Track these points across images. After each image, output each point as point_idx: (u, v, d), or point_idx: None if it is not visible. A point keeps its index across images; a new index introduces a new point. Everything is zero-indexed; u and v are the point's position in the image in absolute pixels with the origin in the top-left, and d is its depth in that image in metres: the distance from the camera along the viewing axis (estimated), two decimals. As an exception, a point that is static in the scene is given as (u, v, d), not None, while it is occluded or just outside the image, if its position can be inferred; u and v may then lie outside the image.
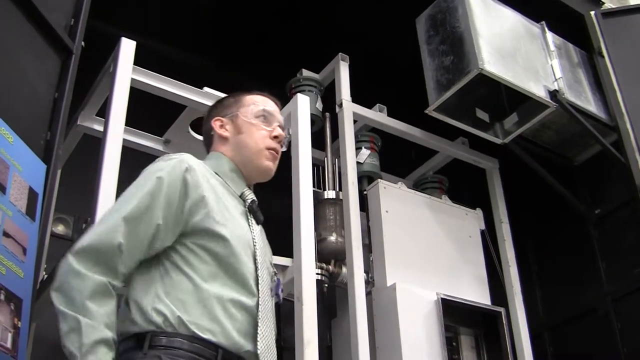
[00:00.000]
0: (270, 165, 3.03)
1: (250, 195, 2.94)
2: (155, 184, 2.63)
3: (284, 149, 3.15)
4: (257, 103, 3.10)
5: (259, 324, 2.57)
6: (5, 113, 3.01)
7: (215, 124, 3.09)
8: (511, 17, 5.68)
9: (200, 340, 2.44)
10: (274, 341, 2.67)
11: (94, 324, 2.37)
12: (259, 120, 3.05)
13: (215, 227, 2.64)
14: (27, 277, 3.01)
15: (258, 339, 2.55)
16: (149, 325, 2.46)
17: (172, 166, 2.70)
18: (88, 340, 2.35)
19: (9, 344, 2.80)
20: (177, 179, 2.66)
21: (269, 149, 3.01)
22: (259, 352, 2.54)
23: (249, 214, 2.87)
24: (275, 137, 3.05)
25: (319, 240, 5.22)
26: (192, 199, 2.65)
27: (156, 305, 2.47)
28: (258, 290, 2.64)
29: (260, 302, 2.61)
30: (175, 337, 2.42)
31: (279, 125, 3.10)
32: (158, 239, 2.58)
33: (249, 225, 2.82)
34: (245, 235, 2.75)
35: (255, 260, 2.72)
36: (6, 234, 2.90)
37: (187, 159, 2.76)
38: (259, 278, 2.69)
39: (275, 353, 2.68)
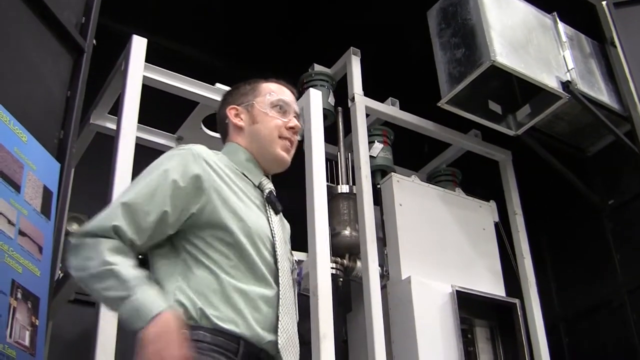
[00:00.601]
0: (285, 155, 2.96)
1: (269, 185, 2.90)
2: (162, 174, 2.60)
3: (299, 138, 3.11)
4: (274, 92, 3.03)
5: (280, 316, 2.54)
6: (18, 112, 3.01)
7: (231, 112, 3.01)
8: (522, 9, 5.67)
9: (222, 333, 2.41)
10: (296, 333, 2.65)
11: (126, 265, 2.38)
12: (274, 111, 2.98)
13: (230, 219, 2.60)
14: (43, 276, 3.03)
15: (279, 331, 2.52)
16: None
17: (182, 155, 2.68)
18: (130, 276, 2.35)
19: (27, 342, 2.81)
20: (187, 170, 2.62)
21: (283, 138, 2.95)
22: (280, 344, 2.52)
23: (267, 205, 2.84)
24: (291, 127, 2.98)
25: (333, 235, 5.21)
26: (204, 190, 2.61)
27: (178, 297, 2.44)
28: (279, 281, 2.62)
29: (281, 294, 2.59)
30: (198, 329, 2.39)
31: (295, 116, 3.04)
32: (166, 224, 2.56)
33: (268, 216, 2.79)
34: (263, 226, 2.72)
35: (275, 251, 2.69)
36: (22, 233, 2.91)
37: (199, 149, 2.74)
38: (279, 269, 2.66)
39: (298, 345, 2.66)
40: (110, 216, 2.49)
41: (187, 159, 2.66)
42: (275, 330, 2.53)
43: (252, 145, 2.94)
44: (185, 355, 2.24)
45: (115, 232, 2.45)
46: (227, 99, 3.10)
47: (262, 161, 2.94)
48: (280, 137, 2.94)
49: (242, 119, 2.98)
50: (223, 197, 2.64)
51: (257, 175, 2.90)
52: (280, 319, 2.55)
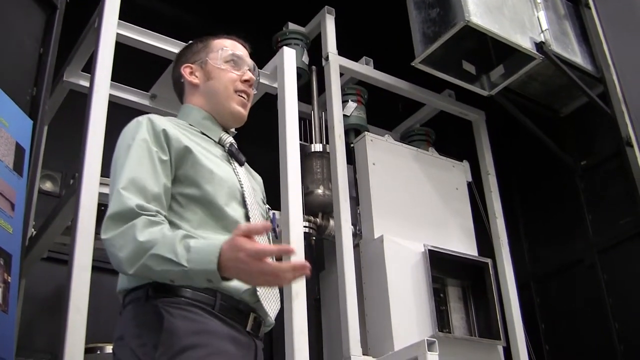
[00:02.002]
0: (242, 110, 2.98)
1: (228, 139, 2.91)
2: (140, 144, 2.60)
3: (255, 91, 3.10)
4: (226, 47, 3.03)
5: None
6: (-10, 69, 3.00)
7: (185, 71, 3.02)
8: (497, -31, 5.66)
9: (199, 288, 2.42)
10: None
11: (163, 239, 2.34)
12: (228, 65, 2.99)
13: (201, 175, 2.63)
14: (15, 233, 3.02)
15: None
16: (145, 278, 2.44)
17: (145, 124, 2.67)
18: (177, 238, 2.33)
19: (-1, 299, 2.82)
20: (157, 134, 2.63)
21: (238, 92, 2.96)
22: (259, 292, 2.54)
23: (230, 158, 2.86)
24: (246, 80, 2.99)
25: (307, 194, 5.23)
26: (176, 150, 2.63)
27: None
28: None
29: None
30: (171, 286, 2.40)
31: (248, 69, 3.04)
32: (168, 189, 2.58)
33: (233, 169, 2.81)
34: (231, 179, 2.73)
35: (244, 202, 2.71)
36: (-6, 190, 2.90)
37: (156, 117, 2.73)
38: (251, 217, 2.69)
39: (278, 293, 2.68)
40: (123, 201, 2.43)
41: (151, 125, 2.67)
42: None
43: (208, 103, 2.97)
44: (260, 264, 2.24)
45: (140, 209, 2.42)
46: (181, 58, 3.11)
47: (219, 117, 2.96)
48: (235, 91, 2.96)
49: (197, 77, 3.00)
50: (192, 154, 2.65)
51: (215, 131, 2.93)
52: None
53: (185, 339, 2.34)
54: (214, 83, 2.97)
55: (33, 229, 4.65)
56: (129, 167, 2.53)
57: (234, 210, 2.66)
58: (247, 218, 2.69)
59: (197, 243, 2.31)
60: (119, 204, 2.42)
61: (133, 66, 5.06)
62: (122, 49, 4.51)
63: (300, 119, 4.96)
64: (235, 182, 2.75)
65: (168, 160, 2.61)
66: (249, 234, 2.25)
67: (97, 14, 4.45)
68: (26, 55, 3.47)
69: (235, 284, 2.46)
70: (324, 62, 5.60)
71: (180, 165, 2.63)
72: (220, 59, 2.99)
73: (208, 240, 2.35)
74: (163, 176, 2.56)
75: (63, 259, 4.63)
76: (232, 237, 2.25)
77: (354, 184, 5.38)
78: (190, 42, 3.18)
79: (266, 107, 5.04)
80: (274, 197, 4.50)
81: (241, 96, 2.97)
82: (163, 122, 2.70)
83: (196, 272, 2.27)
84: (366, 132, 5.56)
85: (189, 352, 2.32)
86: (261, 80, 4.93)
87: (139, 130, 2.65)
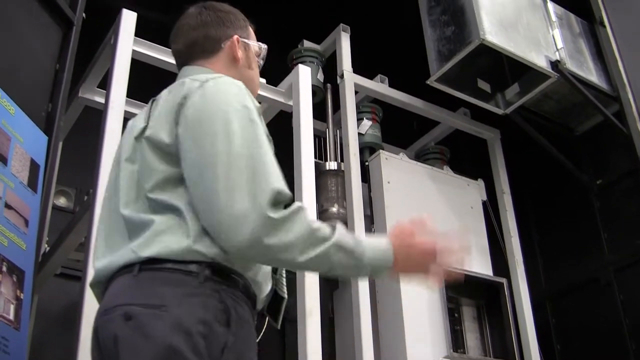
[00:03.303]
0: None
1: None
2: (245, 114, 2.30)
3: None
4: (261, 44, 2.81)
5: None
6: (6, 84, 3.00)
7: (235, 41, 2.66)
8: (513, -13, 5.66)
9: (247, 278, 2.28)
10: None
11: (325, 228, 2.23)
12: (257, 64, 2.77)
13: None
14: (29, 249, 3.02)
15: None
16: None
17: (242, 89, 2.38)
18: (343, 242, 2.24)
19: (11, 316, 2.81)
20: (253, 103, 2.37)
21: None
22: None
23: None
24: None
25: (321, 212, 5.22)
26: None
27: None
28: None
29: None
30: (231, 271, 2.22)
31: None
32: None
33: None
34: None
35: None
36: (8, 206, 2.90)
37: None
38: None
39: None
40: (263, 185, 2.18)
41: (246, 92, 2.38)
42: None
43: None
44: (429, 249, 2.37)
45: (288, 197, 2.24)
46: (228, 22, 2.71)
47: None
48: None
49: (239, 55, 2.67)
50: None
51: None
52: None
53: (248, 352, 2.21)
54: (252, 75, 2.72)
55: (46, 245, 4.65)
56: (265, 149, 2.28)
57: None
58: None
59: (363, 238, 2.31)
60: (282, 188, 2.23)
61: (148, 83, 5.06)
62: (138, 65, 4.52)
63: (315, 136, 4.96)
64: None
65: None
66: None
67: (113, 31, 4.46)
68: (42, 72, 3.48)
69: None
70: (339, 80, 5.59)
71: None
72: (258, 54, 2.78)
73: (371, 237, 2.33)
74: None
75: (76, 275, 4.63)
76: (398, 233, 2.32)
77: (368, 202, 5.36)
78: (228, 7, 2.78)
79: (281, 124, 5.04)
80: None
81: None
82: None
83: (375, 267, 2.28)
84: (381, 150, 5.54)
85: None
86: (276, 98, 4.96)
87: (248, 103, 2.34)
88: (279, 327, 2.59)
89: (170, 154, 2.27)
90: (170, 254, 2.14)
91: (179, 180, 2.25)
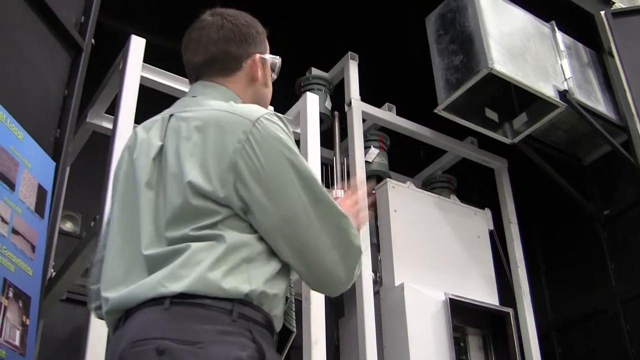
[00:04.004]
0: None
1: None
2: (300, 158, 2.29)
3: None
4: (276, 58, 2.71)
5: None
6: (15, 110, 3.00)
7: (256, 60, 2.59)
8: (521, 17, 5.67)
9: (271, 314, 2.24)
10: None
11: None
12: (271, 78, 2.68)
13: None
14: (35, 275, 3.01)
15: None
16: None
17: (287, 127, 2.35)
18: None
19: (17, 342, 2.80)
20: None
21: None
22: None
23: None
24: None
25: (327, 239, 5.19)
26: None
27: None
28: None
29: None
30: (257, 307, 2.17)
31: None
32: None
33: None
34: None
35: None
36: (15, 231, 2.89)
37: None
38: None
39: None
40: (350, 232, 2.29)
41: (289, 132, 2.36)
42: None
43: None
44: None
45: None
46: (250, 39, 2.62)
47: None
48: None
49: (259, 73, 2.60)
50: None
51: None
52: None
53: None
54: (268, 93, 2.67)
55: (52, 270, 4.64)
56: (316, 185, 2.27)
57: None
58: None
59: None
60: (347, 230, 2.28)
61: (156, 109, 5.06)
62: (146, 91, 4.53)
63: (322, 164, 4.96)
64: None
65: None
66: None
67: (121, 57, 4.48)
68: (51, 97, 3.48)
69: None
70: (346, 108, 5.60)
71: None
72: (272, 68, 2.70)
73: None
74: None
75: (82, 300, 4.61)
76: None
77: (375, 231, 5.36)
78: (248, 17, 2.71)
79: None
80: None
81: None
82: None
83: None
84: (388, 179, 5.55)
85: None
86: (283, 125, 4.94)
87: (289, 139, 2.30)
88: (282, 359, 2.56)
89: (213, 199, 2.21)
90: (205, 289, 2.10)
91: (223, 218, 2.20)
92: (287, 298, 2.34)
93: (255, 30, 2.64)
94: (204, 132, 2.29)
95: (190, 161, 2.25)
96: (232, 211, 2.20)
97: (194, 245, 2.15)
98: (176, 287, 2.08)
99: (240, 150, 2.21)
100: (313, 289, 2.39)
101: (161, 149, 2.37)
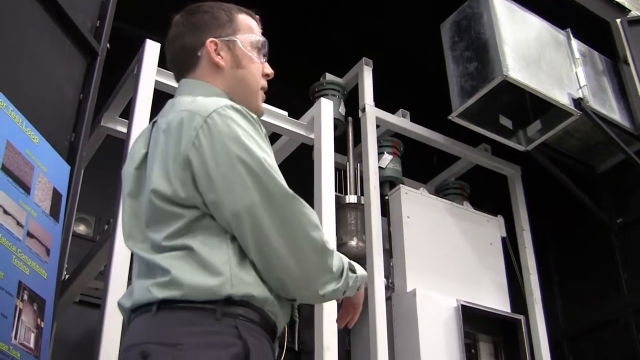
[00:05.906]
0: (262, 107, 2.63)
1: None
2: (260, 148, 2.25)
3: None
4: (254, 30, 2.62)
5: None
6: (30, 114, 3.02)
7: (211, 46, 2.50)
8: (536, 24, 5.66)
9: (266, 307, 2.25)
10: None
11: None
12: (254, 52, 2.58)
13: None
14: (50, 278, 3.03)
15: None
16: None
17: (250, 119, 2.30)
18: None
19: (31, 344, 2.81)
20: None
21: (262, 88, 2.62)
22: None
23: None
24: (267, 74, 2.63)
25: (340, 245, 5.21)
26: None
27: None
28: None
29: None
30: (247, 302, 2.18)
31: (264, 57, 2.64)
32: None
33: None
34: None
35: None
36: (30, 235, 2.91)
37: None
38: None
39: None
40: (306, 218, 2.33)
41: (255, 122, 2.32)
42: None
43: (234, 93, 2.50)
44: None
45: None
46: (202, 26, 2.56)
47: None
48: (261, 88, 2.62)
49: (222, 58, 2.52)
50: None
51: None
52: None
53: None
54: (244, 74, 2.55)
55: (66, 272, 4.66)
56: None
57: None
58: None
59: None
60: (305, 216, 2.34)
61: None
62: (160, 95, 4.54)
63: (335, 169, 4.96)
64: None
65: None
66: None
67: (136, 61, 4.49)
68: (66, 101, 3.50)
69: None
70: (360, 114, 5.61)
71: None
72: (250, 44, 2.57)
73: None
74: None
75: (95, 303, 4.64)
76: None
77: (387, 237, 5.36)
78: (207, 4, 2.64)
79: (301, 157, 5.05)
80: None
81: (263, 93, 2.63)
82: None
83: (360, 281, 2.49)
84: (401, 185, 5.55)
85: None
86: (298, 131, 4.96)
87: (249, 127, 2.27)
88: (296, 347, 2.62)
89: (176, 201, 2.22)
90: (188, 294, 2.12)
91: (189, 221, 2.21)
92: None
93: (212, 15, 2.57)
94: (167, 135, 2.29)
95: (157, 166, 2.27)
96: (200, 211, 2.20)
97: (171, 254, 2.17)
98: (160, 294, 2.12)
99: (191, 147, 2.20)
100: (280, 294, 2.26)
101: (145, 157, 2.38)
